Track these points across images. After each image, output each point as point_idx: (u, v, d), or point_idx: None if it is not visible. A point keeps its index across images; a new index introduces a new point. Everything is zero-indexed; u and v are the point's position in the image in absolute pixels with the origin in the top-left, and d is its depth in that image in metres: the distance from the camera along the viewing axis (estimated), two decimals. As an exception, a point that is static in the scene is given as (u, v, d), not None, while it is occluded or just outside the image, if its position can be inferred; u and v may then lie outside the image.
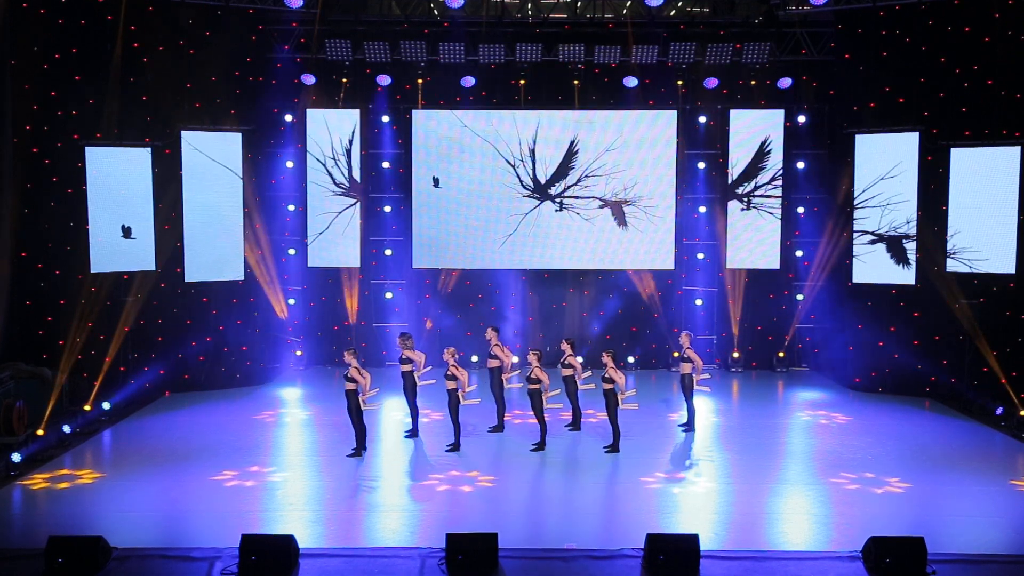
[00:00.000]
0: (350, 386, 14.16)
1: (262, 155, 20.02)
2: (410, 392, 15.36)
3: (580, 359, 19.43)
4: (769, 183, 20.50)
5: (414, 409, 15.45)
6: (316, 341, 21.14)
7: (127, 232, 17.63)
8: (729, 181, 20.55)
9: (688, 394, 15.77)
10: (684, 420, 16.00)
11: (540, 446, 14.64)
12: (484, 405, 15.71)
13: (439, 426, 15.66)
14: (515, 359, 18.90)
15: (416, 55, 19.78)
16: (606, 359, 14.60)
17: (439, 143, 20.62)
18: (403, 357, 15.41)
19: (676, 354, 16.06)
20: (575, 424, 15.80)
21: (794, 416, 17.46)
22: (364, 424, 14.38)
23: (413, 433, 15.44)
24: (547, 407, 14.88)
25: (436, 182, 20.64)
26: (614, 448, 14.48)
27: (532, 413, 14.92)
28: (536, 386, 14.67)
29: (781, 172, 20.52)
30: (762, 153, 20.46)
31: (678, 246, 20.86)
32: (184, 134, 18.37)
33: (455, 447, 14.57)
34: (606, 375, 14.43)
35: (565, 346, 15.79)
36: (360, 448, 14.34)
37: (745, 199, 20.53)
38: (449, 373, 14.57)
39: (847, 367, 19.37)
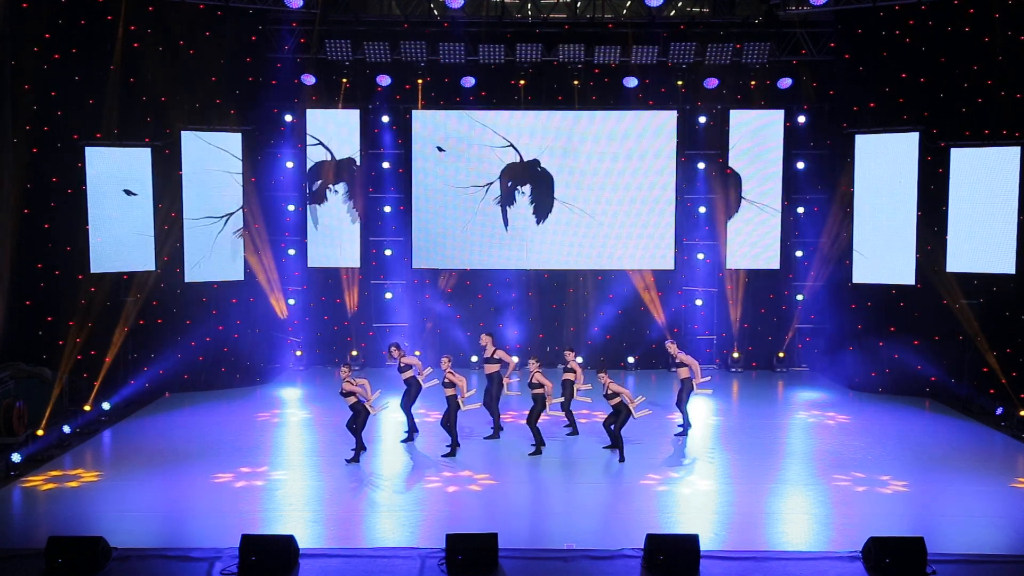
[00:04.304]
0: (351, 399, 14.11)
1: (262, 155, 20.03)
2: (413, 398, 15.35)
3: (580, 359, 19.44)
4: None
5: (410, 415, 15.43)
6: (316, 341, 21.14)
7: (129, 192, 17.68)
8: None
9: (686, 398, 15.70)
10: (680, 426, 15.86)
11: (537, 451, 14.60)
12: (481, 410, 15.64)
13: (439, 427, 15.65)
14: (515, 359, 18.91)
15: (416, 55, 19.78)
16: (603, 379, 14.31)
17: (440, 143, 20.65)
18: (401, 365, 15.38)
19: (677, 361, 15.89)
20: (574, 428, 15.73)
21: (794, 416, 17.45)
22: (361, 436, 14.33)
23: (410, 438, 15.42)
24: (548, 412, 14.82)
25: (441, 149, 20.55)
26: (621, 456, 14.24)
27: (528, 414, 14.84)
28: (540, 390, 14.62)
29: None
30: None
31: (678, 246, 20.86)
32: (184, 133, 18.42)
33: (452, 453, 14.52)
34: (608, 391, 14.20)
35: (569, 355, 15.67)
36: (359, 450, 14.27)
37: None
38: (447, 380, 14.52)
39: (847, 367, 19.36)
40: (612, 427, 14.33)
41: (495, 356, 15.68)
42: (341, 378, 14.23)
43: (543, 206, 20.71)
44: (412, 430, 15.50)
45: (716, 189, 20.82)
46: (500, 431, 15.61)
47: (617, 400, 14.15)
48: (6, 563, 10.41)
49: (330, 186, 20.76)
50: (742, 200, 20.65)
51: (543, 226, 20.74)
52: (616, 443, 14.28)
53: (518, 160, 20.64)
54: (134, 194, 17.76)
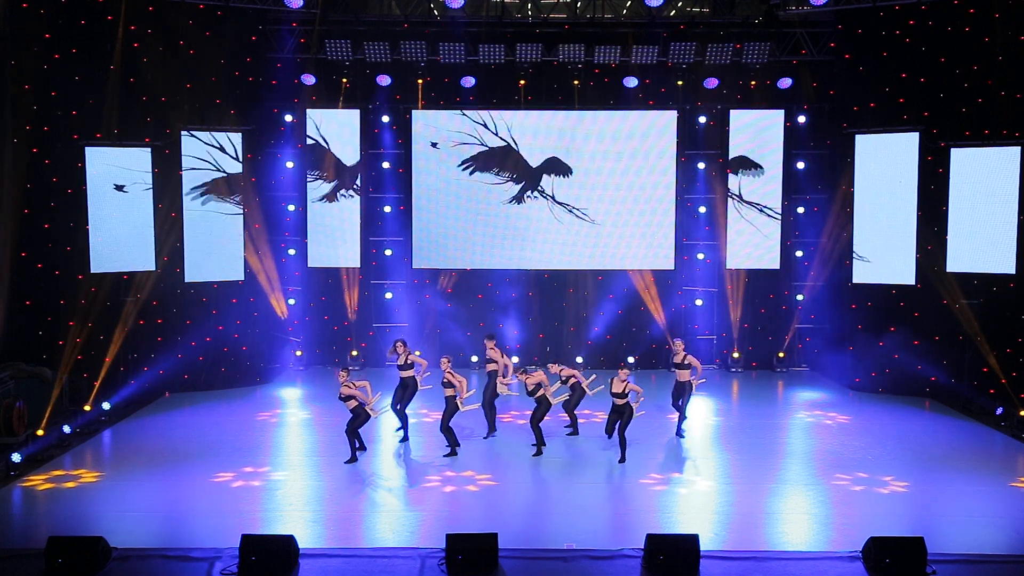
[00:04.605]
0: (351, 403, 14.08)
1: (262, 155, 20.03)
2: (409, 398, 15.34)
3: (580, 359, 19.48)
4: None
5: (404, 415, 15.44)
6: (316, 341, 21.14)
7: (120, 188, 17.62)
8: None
9: (687, 399, 15.69)
10: (680, 427, 15.76)
11: (538, 451, 14.60)
12: (481, 410, 15.63)
13: (439, 428, 15.66)
14: (515, 359, 18.92)
15: (416, 55, 19.78)
16: (624, 375, 14.22)
17: (440, 143, 20.67)
18: (407, 362, 15.34)
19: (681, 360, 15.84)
20: (575, 428, 15.69)
21: (794, 416, 17.45)
22: (358, 435, 14.32)
23: (406, 436, 15.41)
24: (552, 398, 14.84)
25: (434, 145, 20.58)
26: (622, 457, 14.19)
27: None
28: (541, 391, 14.60)
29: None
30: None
31: (678, 246, 20.86)
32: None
33: (452, 453, 14.50)
34: (626, 390, 14.12)
35: (553, 368, 15.61)
36: (357, 450, 14.24)
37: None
38: (445, 380, 14.49)
39: (847, 367, 19.36)
40: (617, 425, 14.28)
41: (489, 355, 15.73)
42: (340, 382, 14.20)
43: (563, 170, 20.70)
44: (403, 428, 15.46)
45: (716, 188, 20.83)
46: (494, 427, 15.65)
47: (623, 401, 14.10)
48: (6, 563, 10.42)
49: (343, 190, 20.75)
50: (743, 200, 20.68)
51: (543, 226, 20.72)
52: (620, 444, 14.22)
53: (521, 159, 20.65)
54: (124, 190, 17.70)
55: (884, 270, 18.86)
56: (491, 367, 15.76)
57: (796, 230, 20.82)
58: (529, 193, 20.64)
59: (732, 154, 20.62)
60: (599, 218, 20.72)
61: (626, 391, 14.15)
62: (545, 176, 20.66)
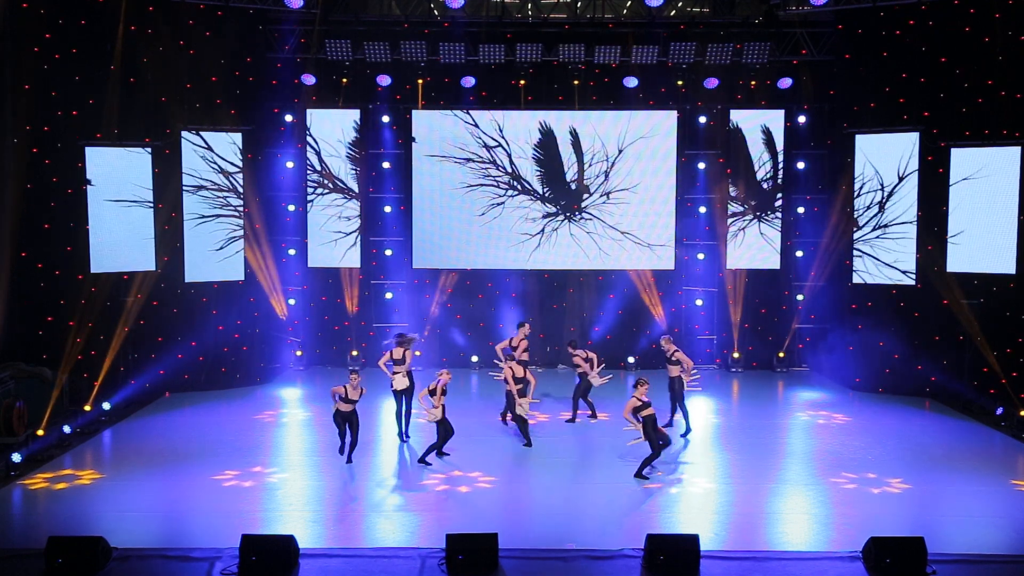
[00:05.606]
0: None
1: (262, 155, 20.02)
2: (411, 395, 15.34)
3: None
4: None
5: (409, 413, 15.44)
6: (316, 341, 21.14)
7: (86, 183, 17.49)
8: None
9: (681, 397, 15.67)
10: (683, 427, 15.70)
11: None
12: (475, 411, 15.68)
13: (433, 428, 15.61)
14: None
15: (416, 55, 19.78)
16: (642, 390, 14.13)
17: (440, 143, 20.67)
18: (402, 357, 15.36)
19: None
20: (593, 414, 16.08)
21: (794, 416, 17.45)
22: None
23: (406, 436, 15.40)
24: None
25: (413, 139, 20.63)
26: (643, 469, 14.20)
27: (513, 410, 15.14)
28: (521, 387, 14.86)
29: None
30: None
31: (678, 246, 20.87)
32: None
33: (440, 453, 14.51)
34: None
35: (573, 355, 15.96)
36: (352, 449, 14.24)
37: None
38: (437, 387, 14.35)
39: (847, 367, 19.36)
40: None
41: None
42: (353, 386, 14.04)
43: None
44: (406, 428, 15.44)
45: (715, 189, 20.84)
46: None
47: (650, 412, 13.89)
48: (6, 563, 10.42)
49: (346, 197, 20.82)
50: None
51: (543, 225, 20.74)
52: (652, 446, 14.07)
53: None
54: (91, 184, 17.54)
55: (885, 270, 18.86)
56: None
57: (796, 230, 20.82)
58: (571, 216, 20.68)
59: (732, 154, 20.65)
60: (599, 218, 20.71)
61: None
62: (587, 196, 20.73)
